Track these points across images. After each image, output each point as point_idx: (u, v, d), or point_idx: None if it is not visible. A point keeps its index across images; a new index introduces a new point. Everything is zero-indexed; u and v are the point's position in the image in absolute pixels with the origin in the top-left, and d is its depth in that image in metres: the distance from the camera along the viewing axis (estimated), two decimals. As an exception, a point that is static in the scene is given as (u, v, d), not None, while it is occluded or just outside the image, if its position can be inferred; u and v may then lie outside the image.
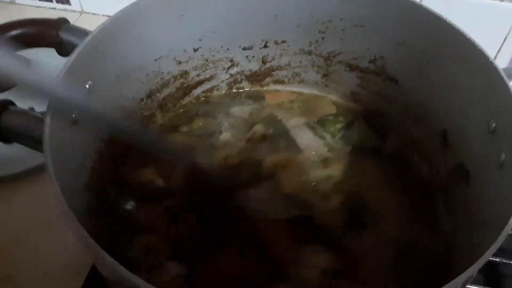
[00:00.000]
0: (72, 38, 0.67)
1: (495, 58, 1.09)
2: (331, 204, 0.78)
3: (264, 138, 0.85)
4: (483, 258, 0.50)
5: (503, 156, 0.62)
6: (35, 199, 0.88)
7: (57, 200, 0.52)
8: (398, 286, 0.71)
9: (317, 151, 0.84)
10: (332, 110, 0.91)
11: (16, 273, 0.80)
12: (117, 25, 0.68)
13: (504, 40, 1.09)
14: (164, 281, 0.68)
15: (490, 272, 0.82)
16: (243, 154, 0.84)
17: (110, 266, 0.45)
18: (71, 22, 0.71)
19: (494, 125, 0.64)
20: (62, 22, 0.68)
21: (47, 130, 0.55)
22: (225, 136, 0.86)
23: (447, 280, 0.49)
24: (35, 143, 0.58)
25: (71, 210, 0.50)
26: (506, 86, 0.62)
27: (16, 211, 0.88)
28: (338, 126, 0.88)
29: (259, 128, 0.86)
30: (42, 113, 0.58)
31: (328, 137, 0.86)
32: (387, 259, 0.73)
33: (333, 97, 0.94)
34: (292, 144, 0.85)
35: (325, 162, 0.83)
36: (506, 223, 0.52)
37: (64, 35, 0.67)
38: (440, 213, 0.80)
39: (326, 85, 0.93)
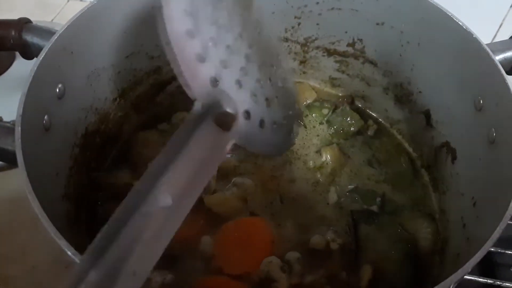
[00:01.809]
0: (37, 39, 0.63)
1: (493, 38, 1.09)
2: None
3: None
4: (482, 250, 0.49)
5: (493, 133, 0.61)
6: (20, 193, 0.84)
7: (37, 213, 0.48)
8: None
9: (308, 139, 0.83)
10: (312, 96, 0.90)
11: (4, 268, 0.79)
12: (84, 22, 0.63)
13: (500, 26, 1.09)
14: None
15: (485, 262, 0.82)
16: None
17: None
18: (56, 11, 0.65)
19: (481, 102, 0.64)
20: (24, 23, 0.63)
21: (18, 140, 0.51)
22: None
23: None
24: (6, 155, 0.54)
25: (52, 223, 0.47)
26: (492, 61, 0.61)
27: (3, 205, 0.85)
28: (324, 111, 0.86)
29: None
30: (11, 122, 0.54)
31: (314, 124, 0.85)
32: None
33: (312, 83, 0.92)
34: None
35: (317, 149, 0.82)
36: (505, 207, 0.51)
37: (28, 37, 0.63)
38: (428, 192, 0.80)
39: (304, 72, 0.91)
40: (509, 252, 0.79)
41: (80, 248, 0.60)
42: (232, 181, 0.77)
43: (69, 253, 0.43)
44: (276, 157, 0.81)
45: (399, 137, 0.86)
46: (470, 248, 0.61)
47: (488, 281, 0.76)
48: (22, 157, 0.50)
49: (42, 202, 0.49)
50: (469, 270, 0.48)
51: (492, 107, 0.62)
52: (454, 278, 0.47)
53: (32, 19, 0.73)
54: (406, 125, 0.84)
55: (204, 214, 0.73)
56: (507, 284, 0.76)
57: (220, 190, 0.75)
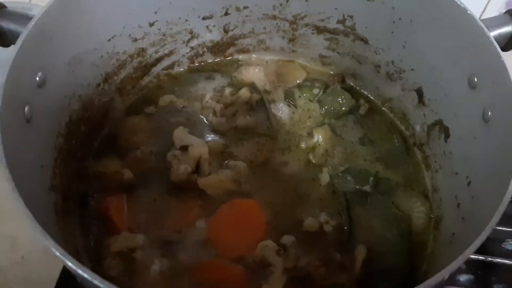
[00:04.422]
0: (13, 25, 0.59)
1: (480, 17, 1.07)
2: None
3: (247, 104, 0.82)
4: (484, 233, 0.49)
5: (488, 112, 0.60)
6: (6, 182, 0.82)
7: (19, 210, 0.46)
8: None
9: (299, 120, 0.82)
10: (302, 75, 0.88)
11: None
12: (63, 5, 0.60)
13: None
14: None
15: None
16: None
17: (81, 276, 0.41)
18: None
19: (475, 80, 0.63)
20: (-2, 7, 0.59)
21: (-1, 134, 0.49)
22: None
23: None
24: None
25: (36, 220, 0.45)
26: (487, 38, 0.60)
27: None
28: (315, 91, 0.85)
29: (245, 92, 0.82)
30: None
31: (306, 104, 0.84)
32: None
33: (302, 62, 0.90)
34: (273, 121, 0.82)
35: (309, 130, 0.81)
36: (504, 188, 0.51)
37: (3, 23, 0.59)
38: (421, 170, 0.80)
39: (293, 51, 0.89)
40: (500, 228, 0.80)
41: (69, 242, 0.59)
42: (225, 163, 0.76)
43: (57, 253, 0.42)
44: (268, 140, 0.80)
45: (391, 115, 0.85)
46: (466, 227, 0.62)
47: (480, 257, 0.77)
48: (3, 152, 0.48)
49: (28, 196, 0.47)
50: (472, 252, 0.47)
51: (487, 86, 0.61)
52: (459, 260, 0.47)
53: (8, 0, 0.69)
54: (398, 103, 0.83)
55: (197, 197, 0.72)
56: (498, 260, 0.77)
57: (213, 173, 0.74)
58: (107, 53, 0.74)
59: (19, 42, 0.54)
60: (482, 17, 0.93)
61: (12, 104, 0.53)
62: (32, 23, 0.56)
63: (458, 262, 0.46)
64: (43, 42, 0.59)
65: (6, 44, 0.60)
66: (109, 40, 0.73)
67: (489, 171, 0.60)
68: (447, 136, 0.73)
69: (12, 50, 0.54)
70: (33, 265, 0.77)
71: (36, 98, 0.59)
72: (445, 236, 0.68)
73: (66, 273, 0.74)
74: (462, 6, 0.63)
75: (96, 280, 0.40)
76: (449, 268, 0.48)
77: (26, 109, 0.56)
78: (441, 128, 0.74)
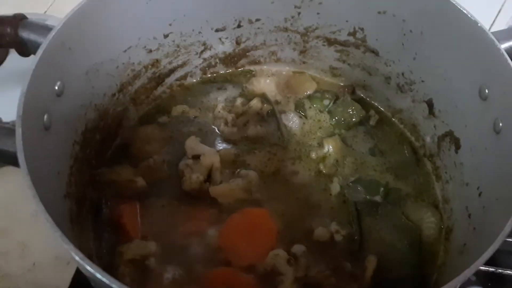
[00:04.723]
0: (33, 36, 0.60)
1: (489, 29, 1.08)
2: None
3: (258, 114, 0.83)
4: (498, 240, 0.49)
5: (499, 123, 0.61)
6: (18, 189, 0.81)
7: (40, 214, 0.47)
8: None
9: (310, 131, 0.83)
10: (313, 86, 0.89)
11: (4, 265, 0.77)
12: (81, 16, 0.62)
13: (499, 11, 1.07)
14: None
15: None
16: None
17: (99, 280, 0.42)
18: (48, 3, 0.62)
19: (486, 91, 0.63)
20: (19, 19, 0.61)
21: (19, 141, 0.50)
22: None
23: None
24: (7, 157, 0.53)
25: (58, 227, 0.46)
26: (498, 50, 0.60)
27: (1, 201, 0.83)
28: (325, 102, 0.86)
29: (256, 103, 0.83)
30: (11, 123, 0.52)
31: (316, 115, 0.85)
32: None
33: (312, 73, 0.91)
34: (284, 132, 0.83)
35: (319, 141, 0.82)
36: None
37: (24, 33, 0.60)
38: (431, 181, 0.80)
39: (303, 62, 0.90)
40: (511, 240, 0.79)
41: (83, 249, 0.60)
42: (237, 172, 0.77)
43: (76, 257, 0.42)
44: (279, 149, 0.80)
45: (401, 126, 0.85)
46: (477, 238, 0.62)
47: (490, 269, 0.76)
48: (24, 159, 0.49)
49: (45, 203, 0.48)
50: (484, 262, 0.47)
51: (498, 97, 0.62)
52: (470, 270, 0.47)
53: (23, 11, 0.71)
54: (408, 114, 0.83)
55: (209, 206, 0.73)
56: (509, 271, 0.76)
57: (225, 182, 0.75)
58: (123, 63, 0.75)
59: (39, 52, 0.55)
60: (491, 30, 0.95)
61: (32, 112, 0.54)
62: (52, 33, 0.58)
63: (471, 271, 0.47)
64: (63, 53, 0.60)
65: (26, 54, 0.62)
66: (125, 51, 0.74)
67: (500, 181, 0.60)
68: (457, 147, 0.73)
69: (32, 60, 0.55)
70: (44, 273, 0.77)
71: (55, 107, 0.60)
72: (456, 247, 0.68)
73: (77, 279, 0.75)
74: (473, 19, 0.64)
75: (114, 284, 0.40)
76: (460, 278, 0.48)
77: (45, 117, 0.57)
78: (452, 139, 0.75)
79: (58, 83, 0.60)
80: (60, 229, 0.45)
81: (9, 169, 0.84)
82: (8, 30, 0.59)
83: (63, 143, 0.64)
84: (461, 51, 0.67)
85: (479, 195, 0.65)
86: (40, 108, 0.57)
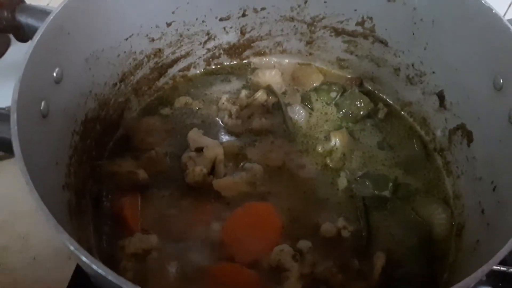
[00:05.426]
0: (31, 20, 0.58)
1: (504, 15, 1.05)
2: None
3: (263, 106, 0.81)
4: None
5: (514, 114, 0.58)
6: (19, 183, 0.81)
7: (36, 206, 0.45)
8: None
9: (316, 124, 0.81)
10: (319, 78, 0.87)
11: (4, 259, 0.76)
12: (81, 1, 0.59)
13: None
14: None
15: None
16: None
17: (95, 271, 0.40)
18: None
19: (501, 81, 0.61)
20: (17, 2, 0.59)
21: (14, 128, 0.48)
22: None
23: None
24: (2, 144, 0.51)
25: (52, 215, 0.44)
26: (514, 37, 0.58)
27: (1, 194, 0.82)
28: (333, 95, 0.83)
29: (261, 94, 0.81)
30: (6, 109, 0.50)
31: (323, 107, 0.82)
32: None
33: (319, 65, 0.88)
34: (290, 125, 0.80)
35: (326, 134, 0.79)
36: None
37: (22, 17, 0.58)
38: (441, 176, 0.78)
39: (310, 53, 0.87)
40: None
41: (82, 242, 0.58)
42: (241, 165, 0.75)
43: (71, 247, 0.40)
44: (285, 142, 0.78)
45: (410, 119, 0.83)
46: (491, 234, 0.59)
47: (502, 268, 0.73)
48: (19, 146, 0.47)
49: (41, 193, 0.46)
50: (499, 260, 0.45)
51: (514, 86, 0.59)
52: (485, 268, 0.44)
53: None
54: (418, 107, 0.81)
55: (212, 199, 0.71)
56: (521, 270, 0.74)
57: (229, 175, 0.73)
58: (124, 52, 0.73)
59: (36, 36, 0.53)
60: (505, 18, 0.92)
61: (29, 98, 0.52)
62: (50, 17, 0.56)
63: (488, 266, 0.45)
64: (61, 38, 0.58)
65: (25, 39, 0.60)
66: (127, 39, 0.72)
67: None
68: (470, 140, 0.71)
69: (30, 44, 0.53)
70: (45, 266, 0.76)
71: (53, 94, 0.58)
72: (469, 244, 0.65)
73: (78, 274, 0.73)
74: (487, 5, 0.62)
75: (110, 275, 0.38)
76: (472, 277, 0.46)
77: (43, 104, 0.55)
78: (464, 132, 0.72)
79: (57, 69, 0.58)
80: (55, 218, 0.43)
81: (10, 162, 0.83)
82: (5, 13, 0.57)
83: (62, 132, 0.62)
84: (474, 40, 0.65)
85: (493, 189, 0.62)
86: (37, 94, 0.55)
